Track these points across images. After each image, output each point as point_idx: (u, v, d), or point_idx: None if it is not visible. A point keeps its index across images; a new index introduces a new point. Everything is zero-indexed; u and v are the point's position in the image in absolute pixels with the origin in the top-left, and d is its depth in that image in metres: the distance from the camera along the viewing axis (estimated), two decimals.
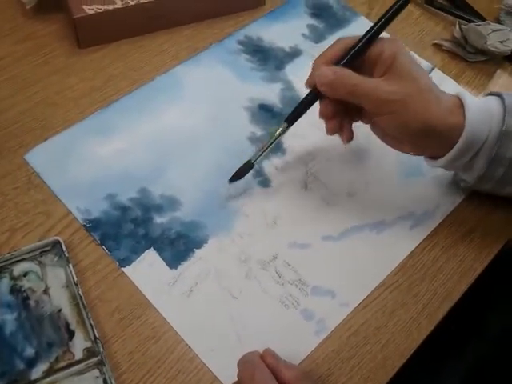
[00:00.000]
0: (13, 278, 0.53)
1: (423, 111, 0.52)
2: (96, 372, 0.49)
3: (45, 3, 0.69)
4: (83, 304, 0.51)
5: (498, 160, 0.54)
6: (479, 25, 0.74)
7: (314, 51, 0.73)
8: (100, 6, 0.66)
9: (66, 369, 0.49)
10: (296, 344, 0.53)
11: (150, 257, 0.56)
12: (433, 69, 0.74)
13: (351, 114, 0.57)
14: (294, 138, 0.64)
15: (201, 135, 0.65)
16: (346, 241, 0.59)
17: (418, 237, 0.61)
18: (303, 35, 0.75)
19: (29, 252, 0.54)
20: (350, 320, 0.55)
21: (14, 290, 0.52)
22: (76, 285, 0.52)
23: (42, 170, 0.59)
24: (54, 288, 0.53)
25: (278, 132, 0.57)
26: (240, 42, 0.73)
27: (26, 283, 0.52)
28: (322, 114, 0.56)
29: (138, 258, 0.56)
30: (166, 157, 0.62)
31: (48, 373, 0.49)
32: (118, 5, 0.67)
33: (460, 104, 0.54)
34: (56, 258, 0.54)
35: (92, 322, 0.50)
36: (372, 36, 0.54)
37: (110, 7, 0.66)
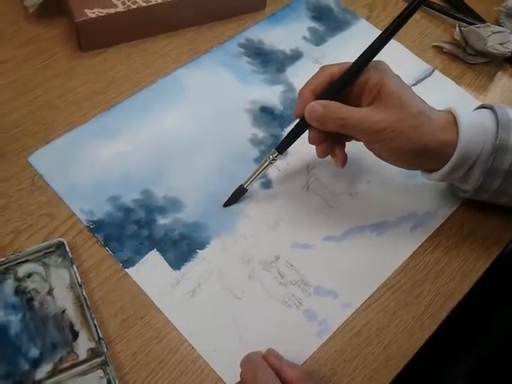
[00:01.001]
0: (17, 279, 0.53)
1: (415, 136, 0.52)
2: (100, 372, 0.49)
3: (47, 7, 0.70)
4: (87, 305, 0.51)
5: (494, 173, 0.54)
6: (479, 27, 0.75)
7: (314, 54, 0.74)
8: (102, 10, 0.67)
9: (70, 369, 0.49)
10: (299, 344, 0.54)
11: (154, 258, 0.56)
12: (433, 71, 0.75)
13: (343, 137, 0.57)
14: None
15: (203, 137, 0.65)
16: (348, 241, 0.60)
17: (420, 238, 0.61)
18: (304, 38, 0.76)
19: (33, 253, 0.54)
20: (353, 320, 0.55)
21: (19, 291, 0.52)
22: (80, 286, 0.52)
23: (46, 172, 0.60)
24: (58, 289, 0.53)
25: (268, 160, 0.58)
26: (241, 45, 0.74)
27: (30, 284, 0.53)
28: (312, 141, 0.56)
29: (142, 259, 0.56)
30: (168, 159, 0.63)
31: (52, 373, 0.49)
32: (120, 8, 0.67)
33: (453, 120, 0.54)
34: (60, 259, 0.54)
35: (96, 322, 0.51)
36: (359, 67, 0.54)
37: (112, 11, 0.67)
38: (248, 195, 0.61)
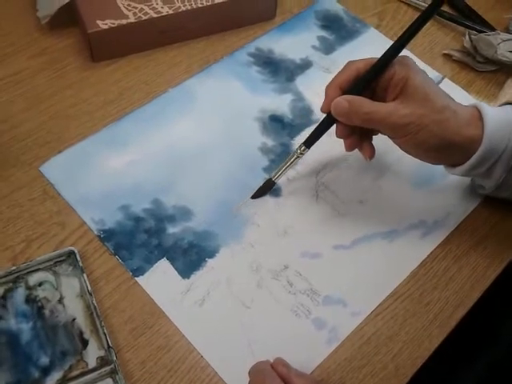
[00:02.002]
0: (28, 288, 0.53)
1: (440, 131, 0.52)
2: (109, 381, 0.50)
3: (59, 18, 0.70)
4: (97, 313, 0.52)
5: None
6: (489, 35, 0.75)
7: (324, 63, 0.74)
8: (113, 21, 0.67)
9: (80, 377, 0.49)
10: (308, 353, 0.54)
11: (163, 266, 0.56)
12: (443, 79, 0.75)
13: (370, 131, 0.57)
14: None
15: (213, 146, 0.65)
16: (358, 250, 0.60)
17: (430, 245, 0.61)
18: (313, 47, 0.76)
19: (44, 262, 0.54)
20: (362, 329, 0.55)
21: (30, 300, 0.53)
22: (90, 294, 0.53)
23: (57, 181, 0.60)
24: (68, 297, 0.53)
25: (296, 154, 0.59)
26: (251, 55, 0.74)
27: (40, 293, 0.53)
28: (339, 135, 0.57)
29: (151, 268, 0.56)
30: (178, 168, 0.63)
31: (62, 381, 0.49)
32: (131, 19, 0.68)
33: (478, 115, 0.54)
34: (70, 268, 0.55)
35: (106, 330, 0.51)
36: (385, 62, 0.54)
37: (124, 22, 0.68)
38: (257, 203, 0.61)
